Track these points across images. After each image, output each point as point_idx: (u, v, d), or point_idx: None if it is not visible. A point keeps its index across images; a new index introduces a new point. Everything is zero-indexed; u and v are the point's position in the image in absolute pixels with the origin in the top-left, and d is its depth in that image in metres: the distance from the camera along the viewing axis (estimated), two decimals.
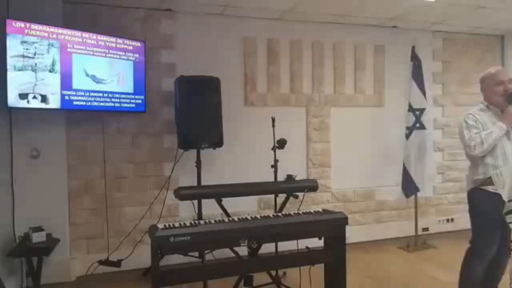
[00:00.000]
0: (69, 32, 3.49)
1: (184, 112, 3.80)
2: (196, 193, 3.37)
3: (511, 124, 2.69)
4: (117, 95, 3.80)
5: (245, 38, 4.54)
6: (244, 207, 4.26)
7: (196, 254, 3.72)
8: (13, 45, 3.15)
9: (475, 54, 5.51)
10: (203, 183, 3.85)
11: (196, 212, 3.88)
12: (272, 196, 3.82)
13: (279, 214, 2.94)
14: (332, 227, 2.80)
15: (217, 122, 3.92)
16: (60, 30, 3.44)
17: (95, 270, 3.87)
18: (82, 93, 3.58)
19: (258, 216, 2.76)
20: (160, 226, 2.44)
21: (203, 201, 3.80)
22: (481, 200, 2.73)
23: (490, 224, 2.69)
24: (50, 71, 3.36)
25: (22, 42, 3.20)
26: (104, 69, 3.72)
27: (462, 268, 2.83)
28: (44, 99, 3.33)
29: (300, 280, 3.17)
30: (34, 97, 3.28)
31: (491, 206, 2.66)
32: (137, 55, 3.91)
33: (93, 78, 3.65)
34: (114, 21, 4.03)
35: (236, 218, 2.73)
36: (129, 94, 3.88)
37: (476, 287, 2.78)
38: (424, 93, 4.70)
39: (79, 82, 3.55)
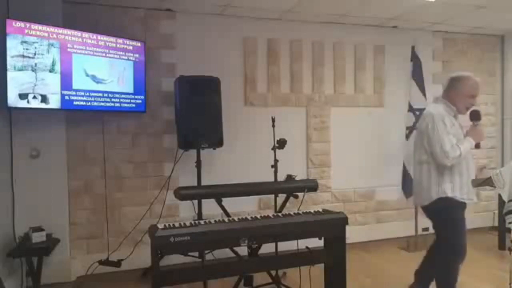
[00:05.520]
0: (69, 32, 3.49)
1: (184, 112, 3.80)
2: (196, 193, 3.37)
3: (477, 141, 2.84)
4: (117, 95, 3.80)
5: (245, 38, 4.54)
6: (244, 207, 4.27)
7: (196, 254, 3.72)
8: (13, 45, 3.15)
9: (475, 54, 5.51)
10: (203, 183, 3.84)
11: (196, 212, 3.87)
12: (272, 196, 3.81)
13: (279, 214, 2.94)
14: (332, 227, 2.80)
15: (217, 122, 3.92)
16: (60, 30, 3.44)
17: (95, 270, 3.87)
18: (82, 93, 3.58)
19: (258, 216, 2.75)
20: (160, 226, 2.44)
21: (203, 201, 3.80)
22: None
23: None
24: (50, 71, 3.36)
25: (22, 42, 3.20)
26: (104, 69, 3.72)
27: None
28: (44, 99, 3.33)
29: (300, 280, 3.17)
30: (34, 97, 3.28)
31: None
32: (137, 55, 3.91)
33: (93, 78, 3.65)
34: (114, 21, 4.03)
35: (236, 218, 2.73)
36: (129, 94, 3.88)
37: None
38: (424, 93, 4.70)
39: (79, 82, 3.55)
